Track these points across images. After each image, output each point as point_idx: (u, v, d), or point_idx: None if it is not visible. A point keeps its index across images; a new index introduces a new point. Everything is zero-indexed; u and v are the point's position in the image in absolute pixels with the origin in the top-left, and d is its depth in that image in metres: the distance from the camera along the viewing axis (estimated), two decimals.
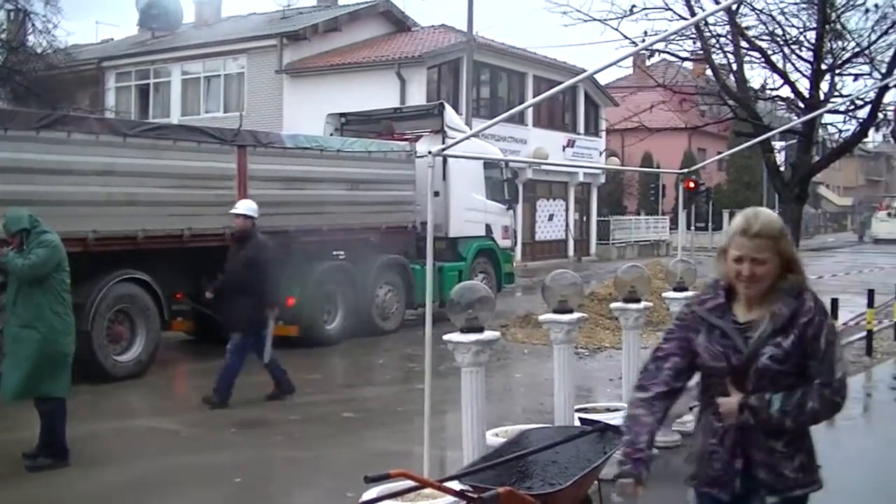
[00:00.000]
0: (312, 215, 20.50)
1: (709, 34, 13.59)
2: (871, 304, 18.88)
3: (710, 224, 63.81)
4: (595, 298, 22.65)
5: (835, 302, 16.88)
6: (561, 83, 40.28)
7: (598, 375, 16.96)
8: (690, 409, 12.32)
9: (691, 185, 53.08)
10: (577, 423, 9.15)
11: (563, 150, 48.60)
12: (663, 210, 62.15)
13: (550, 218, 49.27)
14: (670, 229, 60.06)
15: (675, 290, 12.81)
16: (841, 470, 11.37)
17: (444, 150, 9.24)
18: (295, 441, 12.56)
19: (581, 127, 51.34)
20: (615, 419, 9.06)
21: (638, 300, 11.38)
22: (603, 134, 52.23)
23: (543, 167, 45.88)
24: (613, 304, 11.61)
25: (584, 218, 53.39)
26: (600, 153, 52.74)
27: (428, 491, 6.52)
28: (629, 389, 11.21)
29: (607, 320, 20.42)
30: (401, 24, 46.43)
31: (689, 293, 12.81)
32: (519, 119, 45.22)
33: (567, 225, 50.74)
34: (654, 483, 10.08)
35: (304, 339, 19.85)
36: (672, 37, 13.64)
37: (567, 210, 50.98)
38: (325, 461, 11.64)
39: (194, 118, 41.11)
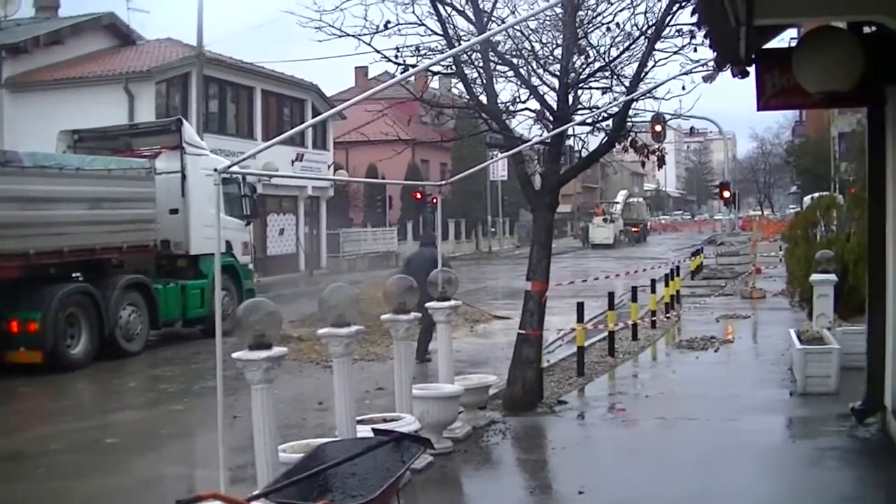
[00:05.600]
0: (52, 236, 19.91)
1: (461, 52, 13.90)
2: (611, 307, 19.81)
3: (438, 233, 64.88)
4: None
5: (581, 305, 17.72)
6: (288, 96, 40.42)
7: (356, 387, 17.06)
8: (459, 413, 12.77)
9: (418, 195, 54.17)
10: (361, 434, 9.31)
11: (293, 164, 48.48)
12: (390, 222, 62.87)
13: (281, 232, 49.14)
14: (398, 240, 60.88)
15: (438, 299, 13.15)
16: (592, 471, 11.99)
17: (230, 167, 9.20)
18: (61, 472, 12.18)
19: (309, 141, 51.38)
20: (404, 428, 9.28)
21: (408, 311, 11.59)
22: (331, 147, 52.48)
23: (273, 181, 45.76)
24: (384, 316, 11.77)
25: (315, 231, 53.44)
26: (328, 166, 52.99)
27: None
28: (402, 398, 11.46)
29: None
30: (126, 37, 45.24)
31: (453, 302, 13.23)
32: (248, 134, 45.06)
33: (298, 239, 50.68)
34: (431, 487, 10.50)
35: (48, 364, 19.27)
36: (425, 51, 13.89)
37: (297, 224, 50.94)
38: (99, 490, 11.37)
39: None
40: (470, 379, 13.84)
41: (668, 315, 25.48)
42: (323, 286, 11.20)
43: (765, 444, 12.43)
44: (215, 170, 8.12)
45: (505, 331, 22.07)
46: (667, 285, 27.04)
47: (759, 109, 12.05)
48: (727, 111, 47.15)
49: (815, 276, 17.95)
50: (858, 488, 10.59)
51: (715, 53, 10.37)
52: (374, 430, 8.26)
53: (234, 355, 8.27)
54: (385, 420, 10.50)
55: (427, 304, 13.34)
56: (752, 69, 11.38)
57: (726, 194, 46.71)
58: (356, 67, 68.77)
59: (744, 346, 21.28)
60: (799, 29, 12.72)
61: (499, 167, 63.56)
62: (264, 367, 8.24)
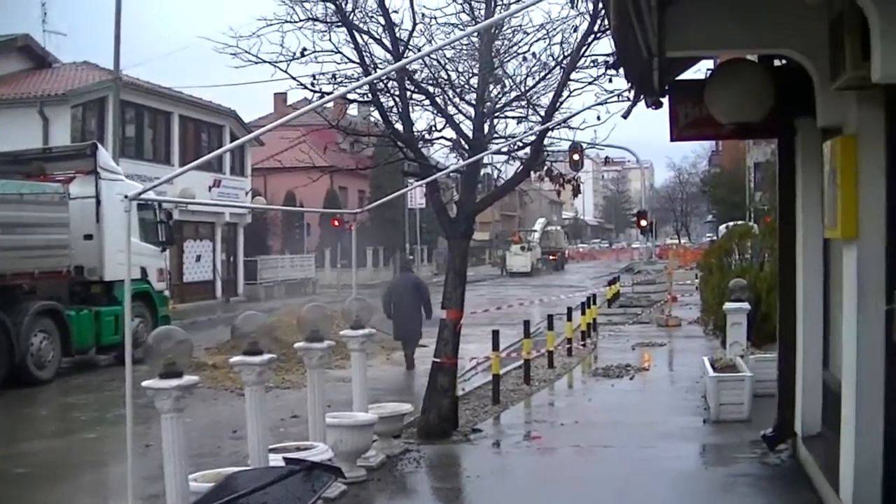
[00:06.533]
0: None
1: (378, 80, 13.93)
2: (527, 335, 19.90)
3: (354, 261, 64.79)
4: None
5: (496, 333, 17.83)
6: (206, 122, 39.97)
7: (268, 415, 16.93)
8: (373, 442, 12.72)
9: (336, 223, 54.04)
10: (273, 463, 9.23)
11: (210, 190, 48.13)
12: (308, 249, 62.65)
13: (198, 259, 48.68)
14: (316, 267, 60.73)
15: (352, 327, 13.09)
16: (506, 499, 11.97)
17: (140, 193, 9.11)
18: None
19: (227, 167, 51.06)
20: (316, 457, 9.22)
21: (321, 339, 11.54)
22: (249, 173, 52.25)
23: (190, 207, 45.42)
24: (297, 344, 11.71)
25: (232, 258, 53.05)
26: (246, 193, 52.73)
27: None
28: (315, 426, 11.39)
29: None
30: (41, 59, 44.28)
31: (367, 330, 13.18)
32: (165, 159, 44.73)
33: (215, 266, 50.27)
34: None
35: None
36: (341, 79, 13.91)
37: (215, 250, 50.53)
38: None
39: None
40: (384, 407, 13.83)
41: (584, 343, 25.68)
42: (240, 313, 11.13)
43: (679, 470, 12.59)
44: (126, 196, 8.06)
45: (421, 358, 22.05)
46: (583, 313, 27.23)
47: (672, 140, 12.21)
48: (645, 140, 47.87)
49: (728, 305, 18.19)
50: None
51: (629, 84, 10.51)
52: (285, 458, 8.20)
53: (144, 384, 8.21)
54: (298, 448, 10.44)
55: (342, 333, 13.29)
56: (665, 100, 11.56)
57: (643, 223, 47.20)
58: (275, 94, 68.58)
59: (659, 373, 21.48)
60: (716, 59, 12.92)
61: (417, 195, 63.64)
62: (175, 396, 8.19)
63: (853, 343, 8.45)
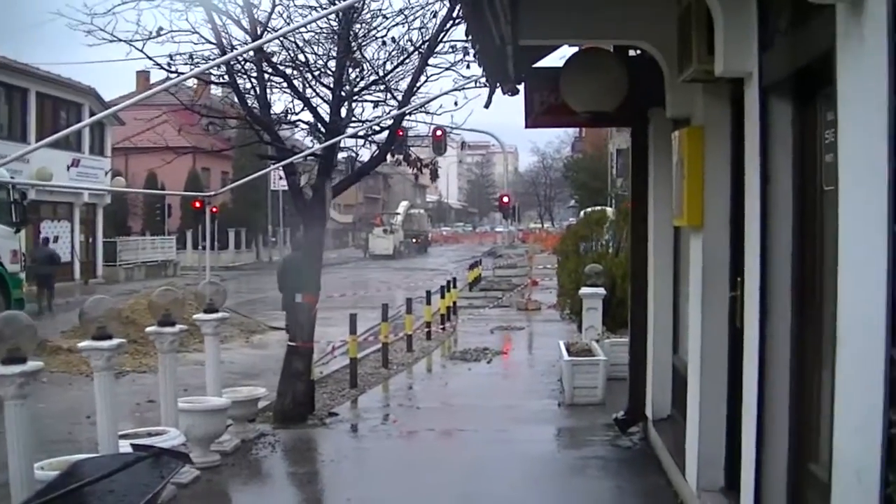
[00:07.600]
0: None
1: (235, 60, 13.79)
2: (385, 318, 19.92)
3: (215, 243, 64.07)
4: None
5: (354, 317, 17.79)
6: (65, 100, 39.04)
7: (125, 400, 16.70)
8: (228, 426, 12.62)
9: (198, 204, 53.37)
10: (124, 449, 9.11)
11: (68, 169, 47.12)
12: (169, 230, 61.79)
13: (56, 240, 47.59)
14: (177, 249, 60.00)
15: (205, 311, 12.98)
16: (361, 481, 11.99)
17: None
18: None
19: (86, 146, 50.05)
20: (167, 443, 9.14)
21: (173, 323, 11.41)
22: (109, 153, 51.30)
23: (47, 188, 44.40)
24: (149, 329, 11.58)
25: (91, 239, 52.03)
26: (106, 173, 51.76)
27: None
28: (167, 411, 11.27)
29: (127, 343, 20.06)
30: None
31: (221, 314, 13.08)
32: (21, 137, 43.62)
33: (73, 247, 49.25)
34: (197, 502, 10.36)
35: None
36: (198, 60, 13.72)
37: (73, 231, 49.47)
38: None
39: None
40: (239, 391, 13.76)
41: (443, 326, 25.80)
42: (99, 295, 10.90)
43: (533, 453, 12.74)
44: None
45: (281, 342, 21.83)
46: (443, 297, 27.35)
47: (527, 127, 12.36)
48: (509, 124, 48.33)
49: (584, 290, 18.45)
50: (616, 496, 10.93)
51: (485, 71, 10.57)
52: (132, 445, 8.10)
53: None
54: (150, 434, 10.32)
55: (195, 317, 13.18)
56: (522, 86, 11.65)
57: (505, 199, 47.76)
58: (138, 72, 67.29)
59: (517, 357, 21.73)
60: (581, 47, 13.13)
61: (276, 176, 63.10)
62: (18, 382, 8.02)
63: (698, 329, 8.66)
